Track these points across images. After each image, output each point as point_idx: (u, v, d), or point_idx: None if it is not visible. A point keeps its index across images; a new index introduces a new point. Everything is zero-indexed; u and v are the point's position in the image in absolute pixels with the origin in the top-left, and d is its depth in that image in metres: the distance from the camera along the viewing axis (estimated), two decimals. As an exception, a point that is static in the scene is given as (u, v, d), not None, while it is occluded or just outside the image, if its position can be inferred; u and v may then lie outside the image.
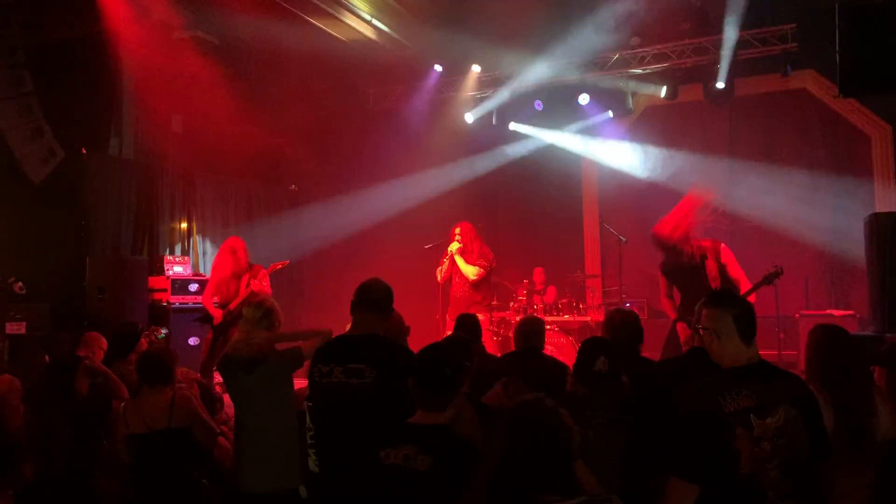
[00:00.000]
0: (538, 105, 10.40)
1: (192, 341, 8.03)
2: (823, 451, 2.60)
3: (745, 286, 5.67)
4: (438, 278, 7.64)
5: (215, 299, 6.95)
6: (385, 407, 3.05)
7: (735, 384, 2.53)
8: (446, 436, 2.49)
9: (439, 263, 7.64)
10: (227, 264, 6.99)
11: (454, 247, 7.48)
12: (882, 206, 8.94)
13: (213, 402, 4.57)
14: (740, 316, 2.62)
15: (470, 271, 7.39)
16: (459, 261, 7.42)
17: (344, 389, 3.10)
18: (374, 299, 3.36)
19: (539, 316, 8.74)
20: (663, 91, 9.76)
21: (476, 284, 7.45)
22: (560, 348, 8.31)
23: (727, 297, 2.76)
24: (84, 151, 8.38)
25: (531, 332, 4.48)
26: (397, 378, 3.07)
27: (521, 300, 9.07)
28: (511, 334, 8.67)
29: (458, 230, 7.58)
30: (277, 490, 3.43)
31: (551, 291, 9.57)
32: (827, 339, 3.30)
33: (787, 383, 2.61)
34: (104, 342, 5.24)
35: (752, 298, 5.46)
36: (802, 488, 2.48)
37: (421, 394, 2.59)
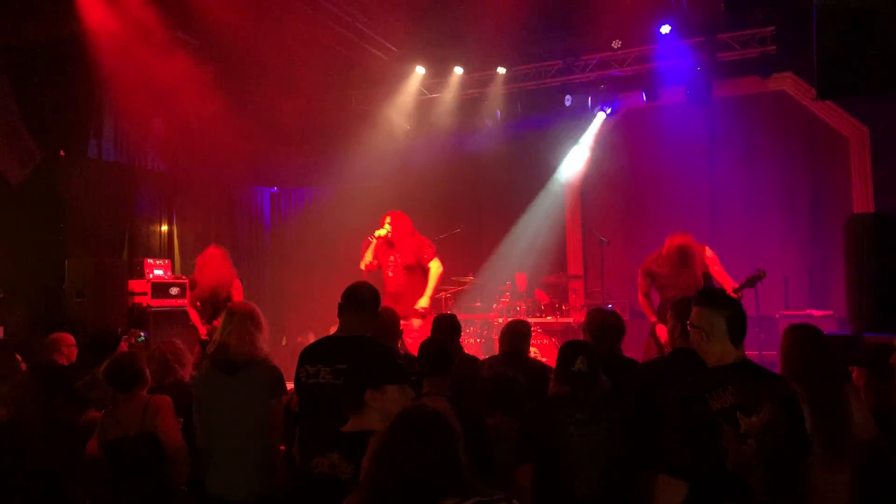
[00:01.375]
0: (522, 106, 10.42)
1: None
2: (805, 448, 2.65)
3: (727, 287, 5.74)
4: (362, 266, 6.69)
5: (197, 304, 6.88)
6: None
7: (721, 382, 2.57)
8: (368, 443, 2.43)
9: (362, 248, 6.72)
10: (210, 276, 6.78)
11: (381, 232, 6.63)
12: (860, 208, 9.04)
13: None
14: (732, 318, 2.65)
15: (437, 271, 6.61)
16: (432, 281, 6.56)
17: (331, 390, 3.09)
18: (360, 301, 3.37)
19: (522, 318, 8.76)
20: (644, 93, 9.82)
21: (412, 280, 6.59)
22: (543, 350, 8.34)
23: (720, 298, 2.79)
24: (63, 153, 8.30)
25: (518, 334, 4.49)
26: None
27: (503, 302, 9.09)
28: (494, 336, 8.71)
29: (388, 219, 6.73)
30: (253, 497, 3.42)
31: (539, 294, 9.57)
32: (799, 338, 3.34)
33: (771, 382, 2.66)
34: (70, 338, 5.21)
35: None
36: (786, 485, 2.52)
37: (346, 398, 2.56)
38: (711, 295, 2.82)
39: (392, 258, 6.65)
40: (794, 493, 2.56)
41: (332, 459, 2.41)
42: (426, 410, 2.09)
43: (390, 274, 6.68)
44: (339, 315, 3.38)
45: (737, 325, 2.65)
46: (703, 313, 2.69)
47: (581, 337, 4.45)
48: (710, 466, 2.47)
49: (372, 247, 6.63)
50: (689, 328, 2.78)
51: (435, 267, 6.60)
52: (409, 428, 2.02)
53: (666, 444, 2.56)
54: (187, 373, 4.51)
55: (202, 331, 6.72)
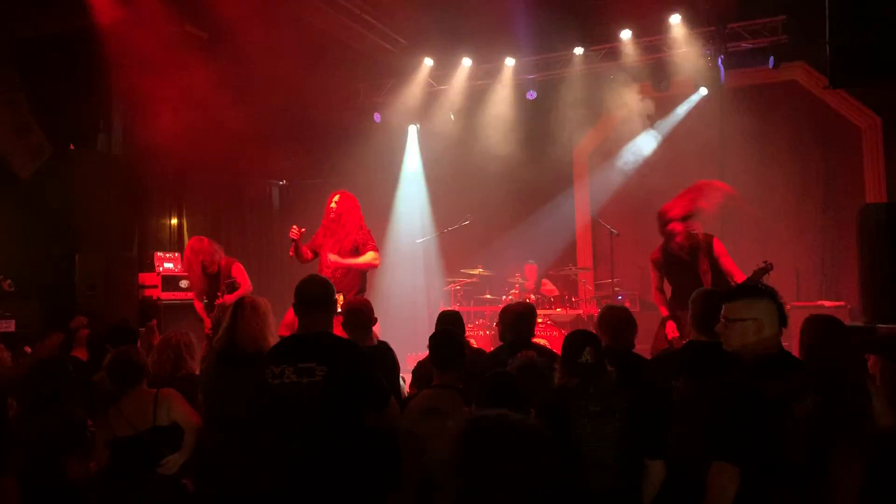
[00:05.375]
0: (531, 95, 10.38)
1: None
2: (835, 438, 2.71)
3: (737, 279, 5.72)
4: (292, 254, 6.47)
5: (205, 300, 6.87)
6: (337, 404, 3.06)
7: (772, 371, 2.60)
8: None
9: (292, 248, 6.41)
10: (197, 276, 6.67)
11: (332, 257, 6.27)
12: (872, 197, 8.98)
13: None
14: (779, 304, 2.73)
15: (369, 258, 6.22)
16: (353, 261, 6.20)
17: (296, 389, 3.08)
18: (310, 299, 3.30)
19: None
20: (654, 84, 9.77)
21: (349, 270, 6.23)
22: (552, 342, 8.33)
23: (763, 287, 2.82)
24: (72, 147, 8.32)
25: (522, 318, 4.38)
26: (347, 373, 3.09)
27: (513, 294, 9.08)
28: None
29: (336, 197, 6.39)
30: (262, 491, 3.41)
31: (548, 286, 9.53)
32: (822, 329, 3.31)
33: (810, 373, 2.78)
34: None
35: None
36: (825, 471, 2.61)
37: None
38: (753, 286, 2.86)
39: (334, 241, 6.25)
40: (829, 480, 2.63)
41: None
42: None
43: (330, 258, 6.24)
44: (295, 313, 3.33)
45: (783, 310, 2.74)
46: (753, 305, 2.71)
47: (590, 328, 4.43)
48: (764, 453, 2.49)
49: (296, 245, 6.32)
50: (730, 322, 2.75)
51: (370, 256, 6.24)
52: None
53: (720, 431, 2.57)
54: (197, 366, 4.48)
55: (207, 323, 6.74)
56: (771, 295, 2.73)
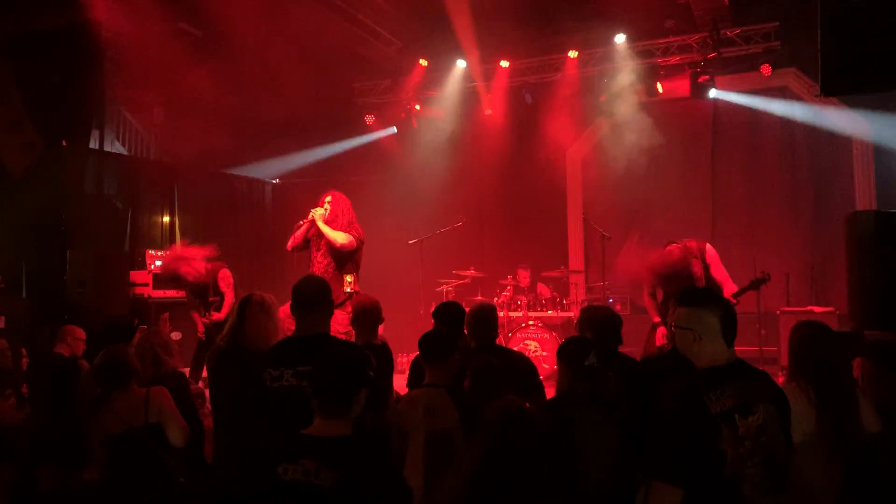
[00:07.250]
0: (528, 99, 10.40)
1: (175, 336, 7.97)
2: (791, 447, 2.61)
3: (728, 287, 5.73)
4: (288, 245, 6.28)
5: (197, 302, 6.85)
6: None
7: (718, 384, 2.47)
8: (350, 449, 2.37)
9: (294, 229, 6.25)
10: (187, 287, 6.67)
11: (318, 212, 6.11)
12: (862, 204, 9.03)
13: (198, 396, 4.54)
14: (725, 318, 2.55)
15: (338, 236, 5.98)
16: (325, 227, 6.02)
17: (296, 392, 3.03)
18: (305, 300, 3.27)
19: (523, 312, 8.77)
20: (647, 88, 9.80)
21: (341, 258, 6.07)
22: (543, 344, 8.35)
23: (710, 297, 2.68)
24: (65, 143, 8.29)
25: (487, 321, 4.16)
26: None
27: (504, 296, 9.10)
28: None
29: (328, 198, 6.27)
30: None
31: (542, 288, 9.54)
32: (810, 335, 3.31)
33: (763, 381, 2.59)
34: (80, 332, 5.19)
35: (732, 300, 5.53)
36: (780, 484, 2.47)
37: (317, 401, 2.46)
38: (700, 294, 2.72)
39: (326, 239, 6.07)
40: (785, 493, 2.49)
41: (305, 466, 2.30)
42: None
43: (318, 250, 6.12)
44: (293, 314, 3.31)
45: (730, 324, 2.56)
46: (693, 314, 2.58)
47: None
48: (708, 472, 2.37)
49: (305, 226, 6.13)
50: (674, 329, 2.66)
51: (345, 234, 6.03)
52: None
53: (664, 450, 2.45)
54: (175, 362, 4.43)
55: (200, 328, 6.74)
56: (718, 307, 2.58)
